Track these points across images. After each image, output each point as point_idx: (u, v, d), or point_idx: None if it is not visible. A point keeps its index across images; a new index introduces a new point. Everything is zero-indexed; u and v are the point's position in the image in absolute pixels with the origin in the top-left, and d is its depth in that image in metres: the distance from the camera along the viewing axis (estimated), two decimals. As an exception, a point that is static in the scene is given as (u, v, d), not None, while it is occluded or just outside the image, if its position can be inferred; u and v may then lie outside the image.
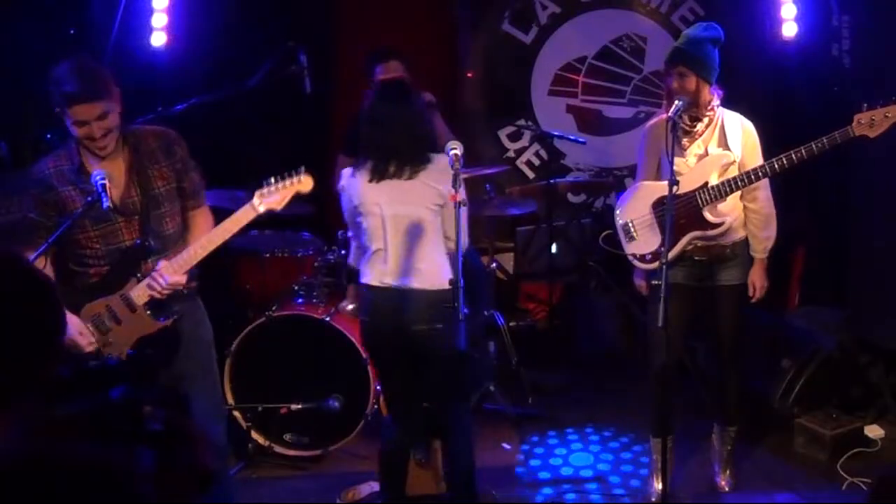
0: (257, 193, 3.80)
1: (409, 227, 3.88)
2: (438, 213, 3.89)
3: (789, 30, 5.87)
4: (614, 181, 6.75)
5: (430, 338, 3.89)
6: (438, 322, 3.85)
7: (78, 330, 3.70)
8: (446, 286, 3.63)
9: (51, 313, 1.81)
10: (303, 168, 3.87)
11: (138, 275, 3.75)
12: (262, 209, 3.78)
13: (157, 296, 3.72)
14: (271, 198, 3.80)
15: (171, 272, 3.71)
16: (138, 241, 3.74)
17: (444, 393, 4.08)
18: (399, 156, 3.87)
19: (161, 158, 3.78)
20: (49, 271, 3.64)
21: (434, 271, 3.89)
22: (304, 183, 3.84)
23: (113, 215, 3.69)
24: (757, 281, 4.45)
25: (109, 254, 3.75)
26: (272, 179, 3.82)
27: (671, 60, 4.30)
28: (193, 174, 3.88)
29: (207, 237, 3.77)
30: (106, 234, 3.72)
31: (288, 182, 3.83)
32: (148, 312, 3.76)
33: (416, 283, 3.89)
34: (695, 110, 4.31)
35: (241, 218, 3.77)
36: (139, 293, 3.74)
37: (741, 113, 4.42)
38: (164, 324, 3.79)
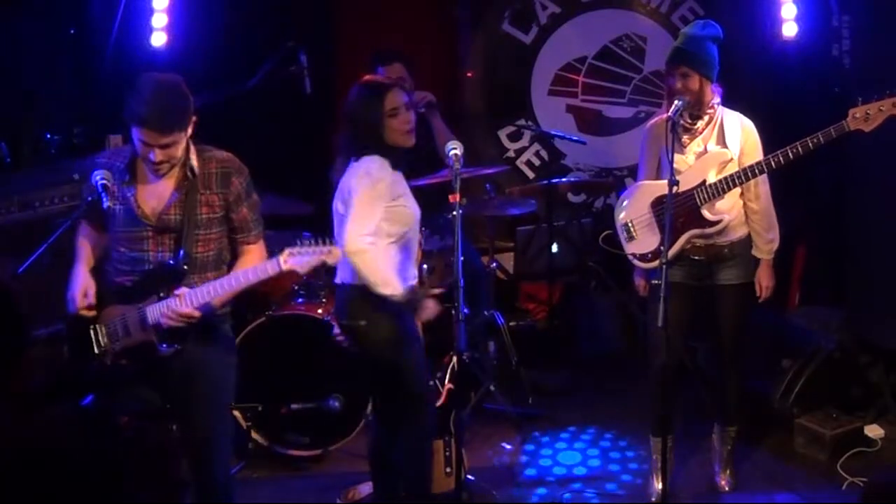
0: (287, 251, 3.71)
1: (336, 224, 4.00)
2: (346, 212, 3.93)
3: (789, 30, 5.87)
4: (614, 181, 6.74)
5: (352, 334, 4.00)
6: (357, 318, 3.94)
7: (82, 290, 3.68)
8: (354, 283, 3.86)
9: (14, 324, 1.80)
10: (330, 240, 3.80)
11: (161, 294, 3.70)
12: (285, 268, 3.70)
13: (165, 322, 3.65)
14: (298, 259, 3.70)
15: (186, 303, 3.65)
16: (171, 262, 3.70)
17: (374, 390, 4.23)
18: (340, 153, 4.03)
19: (215, 186, 3.73)
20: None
21: (343, 266, 3.98)
22: (332, 255, 3.75)
23: (142, 223, 3.67)
24: (764, 280, 4.45)
25: (132, 261, 3.71)
26: (305, 242, 3.74)
27: (673, 61, 4.30)
28: (245, 209, 3.80)
29: (227, 279, 3.71)
30: (131, 239, 3.69)
31: (319, 249, 3.73)
32: (154, 337, 3.70)
33: (338, 278, 4.07)
34: (696, 108, 4.31)
35: (262, 272, 3.70)
36: (154, 312, 3.69)
37: (741, 113, 4.43)
38: (163, 353, 3.71)
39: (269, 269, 3.69)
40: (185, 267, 3.70)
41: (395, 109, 3.93)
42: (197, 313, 3.67)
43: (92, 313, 3.71)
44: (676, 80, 4.28)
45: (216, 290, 3.68)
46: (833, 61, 5.90)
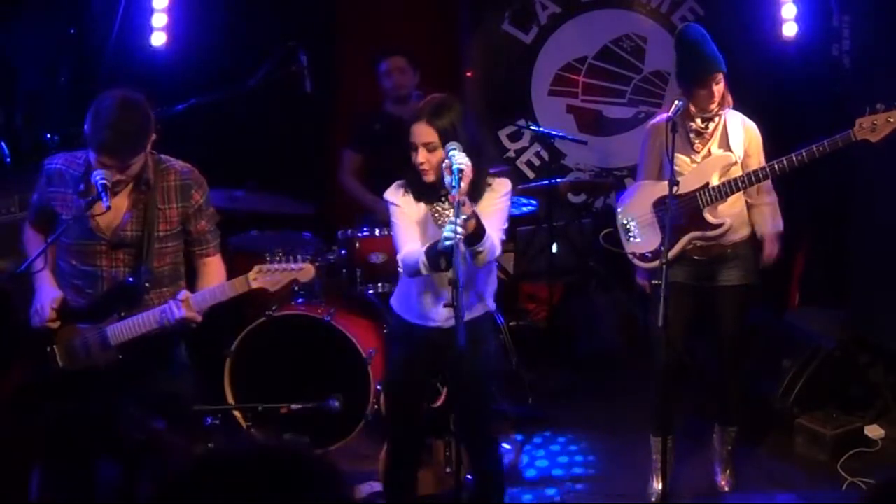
0: (256, 268, 3.71)
1: None
2: None
3: (789, 30, 5.87)
4: (614, 181, 6.74)
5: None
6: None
7: (53, 302, 3.63)
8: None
9: (8, 326, 1.79)
10: (308, 258, 3.83)
11: (122, 313, 3.65)
12: (254, 285, 3.71)
13: (167, 326, 3.61)
14: (268, 277, 3.72)
15: (188, 307, 3.62)
16: (131, 280, 3.65)
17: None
18: None
19: (175, 200, 3.69)
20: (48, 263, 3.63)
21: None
22: (304, 272, 3.77)
23: (97, 237, 3.62)
24: (770, 251, 4.47)
25: (85, 276, 3.65)
26: (275, 258, 3.73)
27: (709, 71, 4.23)
28: (203, 222, 3.76)
29: (209, 291, 3.69)
30: (84, 253, 3.63)
31: (288, 267, 3.75)
32: (119, 356, 3.66)
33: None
34: (720, 108, 4.31)
35: (231, 290, 3.70)
36: (115, 333, 3.64)
37: (741, 113, 4.42)
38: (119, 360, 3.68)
39: (238, 286, 3.68)
40: (147, 285, 3.65)
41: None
42: (198, 317, 3.65)
43: (56, 325, 3.64)
44: (712, 89, 4.24)
45: (212, 297, 3.67)
46: (833, 61, 5.90)
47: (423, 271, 3.64)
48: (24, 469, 3.70)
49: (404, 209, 3.77)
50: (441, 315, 3.75)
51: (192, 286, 3.83)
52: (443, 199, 3.73)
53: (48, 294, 3.64)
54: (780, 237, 4.50)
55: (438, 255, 3.54)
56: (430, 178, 3.67)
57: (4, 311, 1.63)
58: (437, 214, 3.75)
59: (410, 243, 3.71)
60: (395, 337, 4.05)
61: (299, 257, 3.79)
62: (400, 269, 3.82)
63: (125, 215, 3.64)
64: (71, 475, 3.71)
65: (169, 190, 3.68)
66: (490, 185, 3.75)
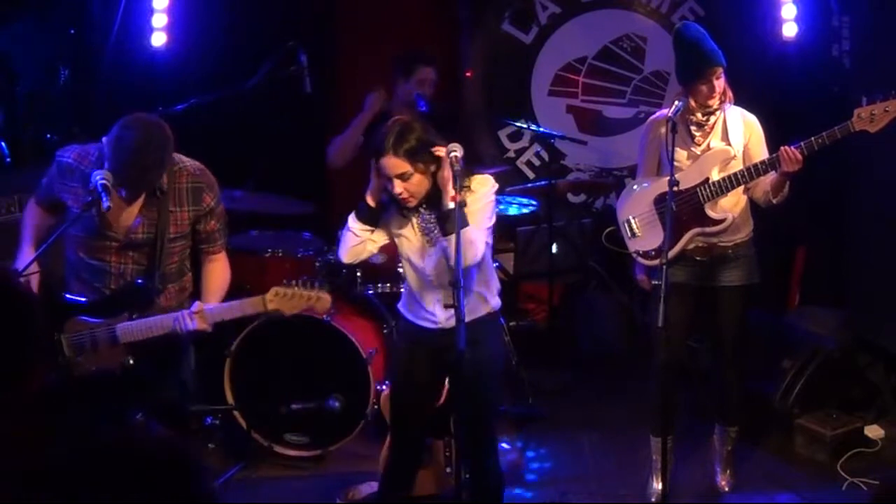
0: (273, 290, 3.70)
1: None
2: None
3: (789, 30, 5.87)
4: (614, 181, 6.74)
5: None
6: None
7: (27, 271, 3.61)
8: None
9: (34, 330, 1.79)
10: (326, 285, 3.81)
11: (134, 315, 3.66)
12: (270, 307, 3.70)
13: (180, 333, 3.63)
14: (285, 301, 3.71)
15: (202, 319, 3.64)
16: (141, 282, 3.67)
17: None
18: None
19: (186, 203, 3.70)
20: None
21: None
22: (321, 302, 3.75)
23: (108, 235, 3.63)
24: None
25: (93, 271, 3.66)
26: (294, 282, 3.72)
27: (710, 65, 4.22)
28: (213, 222, 3.79)
29: (222, 309, 3.70)
30: (93, 248, 3.65)
31: (307, 293, 3.73)
32: (128, 356, 3.67)
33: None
34: (720, 102, 4.30)
35: (248, 307, 3.71)
36: (125, 332, 3.65)
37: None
38: (127, 364, 3.70)
39: (254, 306, 3.68)
40: (160, 287, 3.67)
41: None
42: (210, 329, 3.67)
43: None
44: (713, 83, 4.24)
45: (226, 312, 3.69)
46: (833, 61, 5.90)
47: (354, 228, 3.73)
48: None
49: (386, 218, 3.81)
50: (442, 316, 3.76)
51: (196, 279, 3.86)
52: (423, 205, 3.73)
53: (21, 264, 3.63)
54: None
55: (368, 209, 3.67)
56: (412, 203, 3.68)
57: (28, 317, 1.64)
58: (422, 221, 3.76)
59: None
60: (399, 338, 4.05)
61: (317, 284, 3.77)
62: (341, 261, 3.89)
63: (137, 219, 3.66)
64: None
65: (180, 192, 3.69)
66: (468, 185, 3.71)
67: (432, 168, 3.65)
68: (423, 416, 4.03)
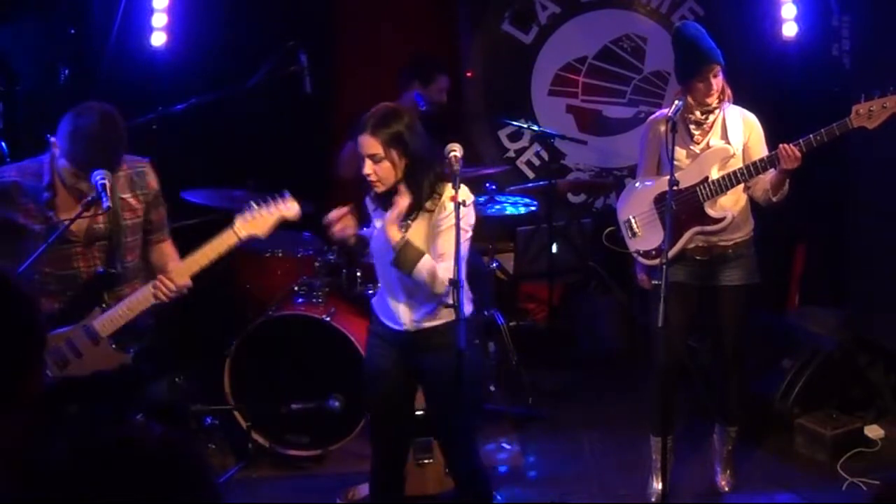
0: (238, 218, 3.68)
1: None
2: None
3: (789, 30, 5.87)
4: (614, 181, 6.74)
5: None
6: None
7: None
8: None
9: (34, 329, 1.78)
10: (287, 193, 3.79)
11: (103, 305, 3.63)
12: (243, 235, 3.67)
13: (162, 299, 3.62)
14: (254, 224, 3.69)
15: (179, 276, 3.62)
16: (101, 270, 3.63)
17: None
18: None
19: (133, 187, 3.71)
20: None
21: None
22: (289, 209, 3.74)
23: (70, 240, 3.60)
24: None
25: (62, 281, 3.62)
26: (255, 204, 3.69)
27: (706, 63, 4.23)
28: (161, 208, 3.81)
29: (193, 258, 3.67)
30: (59, 259, 3.61)
31: (273, 208, 3.71)
32: (113, 346, 3.64)
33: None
34: (718, 101, 4.31)
35: (221, 245, 3.66)
36: (104, 324, 3.61)
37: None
38: (127, 356, 3.67)
39: (226, 241, 3.64)
40: (119, 271, 3.63)
41: None
42: (190, 283, 3.64)
43: None
44: (710, 80, 4.24)
45: (201, 258, 3.65)
46: (833, 61, 5.90)
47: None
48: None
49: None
50: (406, 318, 3.77)
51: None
52: (385, 205, 3.73)
53: None
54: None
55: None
56: (380, 188, 3.67)
57: (28, 316, 1.64)
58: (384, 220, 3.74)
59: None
60: (371, 336, 3.98)
61: (278, 197, 3.73)
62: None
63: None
64: None
65: (126, 179, 3.71)
66: (438, 195, 3.67)
67: (402, 165, 3.62)
68: (397, 415, 3.94)
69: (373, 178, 3.64)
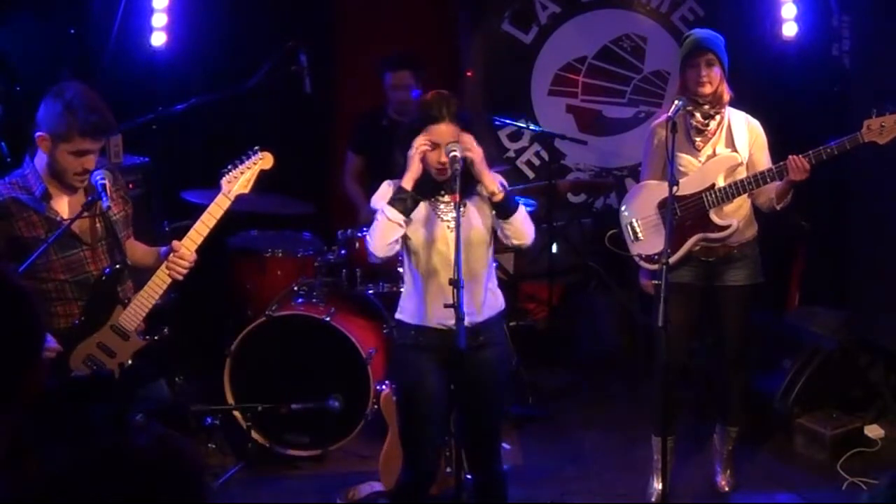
0: (223, 181, 3.76)
1: None
2: None
3: (789, 30, 5.87)
4: (614, 181, 6.74)
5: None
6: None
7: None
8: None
9: (32, 325, 1.78)
10: (258, 147, 3.87)
11: (125, 301, 3.67)
12: (233, 196, 3.75)
13: (178, 277, 3.66)
14: (239, 184, 3.78)
15: (188, 250, 3.66)
16: (108, 269, 3.65)
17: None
18: None
19: (114, 184, 3.70)
20: None
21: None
22: (265, 160, 3.85)
23: (78, 244, 3.61)
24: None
25: (75, 287, 3.62)
26: (230, 166, 3.79)
27: (698, 48, 4.24)
28: (130, 206, 3.85)
29: (195, 230, 3.70)
30: (71, 264, 3.60)
31: (250, 163, 3.82)
32: (140, 337, 3.70)
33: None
34: (714, 106, 4.30)
35: (217, 210, 3.73)
36: (129, 319, 3.65)
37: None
38: (148, 340, 3.72)
39: (221, 205, 3.73)
40: (125, 266, 3.68)
41: None
42: (196, 256, 3.68)
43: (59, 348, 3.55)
44: (702, 68, 4.23)
45: (203, 229, 3.70)
46: (833, 61, 5.90)
47: (396, 218, 3.61)
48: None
49: None
50: (475, 305, 3.70)
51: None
52: (442, 192, 3.72)
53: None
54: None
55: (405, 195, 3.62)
56: (445, 175, 3.65)
57: (28, 314, 1.63)
58: (439, 209, 3.73)
59: None
60: (403, 349, 3.84)
61: (250, 153, 3.85)
62: (375, 257, 3.71)
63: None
64: None
65: (110, 174, 3.72)
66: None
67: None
68: (440, 429, 3.86)
69: (447, 167, 3.62)
